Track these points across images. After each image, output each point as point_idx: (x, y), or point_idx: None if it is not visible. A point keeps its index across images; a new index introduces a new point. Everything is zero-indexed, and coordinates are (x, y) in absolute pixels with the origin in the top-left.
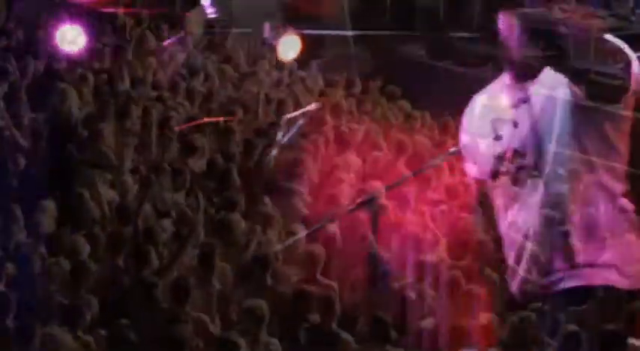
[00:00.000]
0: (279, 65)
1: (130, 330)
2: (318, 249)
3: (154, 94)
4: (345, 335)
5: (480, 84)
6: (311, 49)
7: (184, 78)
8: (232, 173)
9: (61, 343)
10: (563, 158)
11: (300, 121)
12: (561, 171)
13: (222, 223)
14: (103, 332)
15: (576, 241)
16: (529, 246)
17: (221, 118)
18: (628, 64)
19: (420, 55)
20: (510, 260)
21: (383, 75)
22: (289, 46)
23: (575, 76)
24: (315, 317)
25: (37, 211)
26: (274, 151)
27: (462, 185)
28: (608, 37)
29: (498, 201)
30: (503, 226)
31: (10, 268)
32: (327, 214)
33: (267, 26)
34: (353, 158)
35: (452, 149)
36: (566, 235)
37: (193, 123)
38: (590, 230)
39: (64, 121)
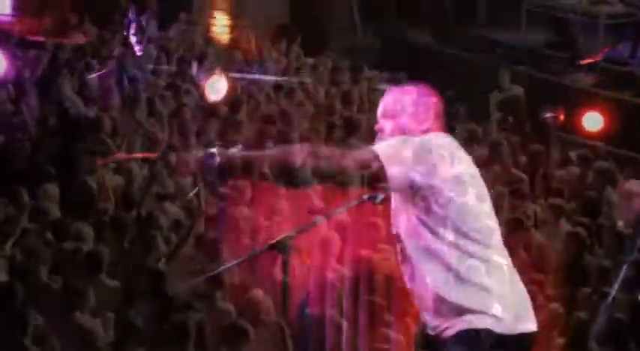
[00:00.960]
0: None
1: (137, 317)
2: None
3: (163, 82)
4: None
5: (486, 71)
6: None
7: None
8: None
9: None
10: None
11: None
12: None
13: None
14: (110, 315)
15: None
16: (419, 295)
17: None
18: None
19: (427, 43)
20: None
21: (391, 63)
22: (216, 87)
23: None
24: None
25: (41, 196)
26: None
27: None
28: None
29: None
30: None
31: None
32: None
33: (195, 65)
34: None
35: (365, 195)
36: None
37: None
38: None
39: (66, 110)
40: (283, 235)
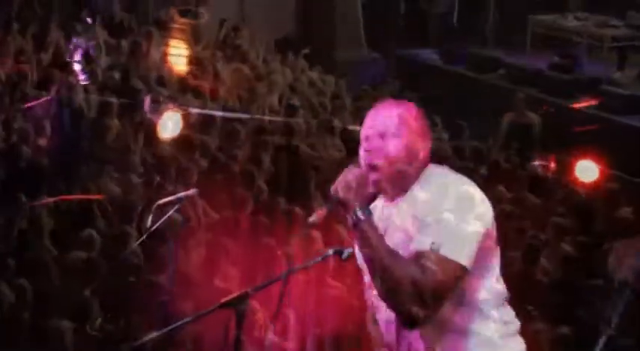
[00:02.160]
0: None
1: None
2: None
3: (165, 91)
4: None
5: (491, 89)
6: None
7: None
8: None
9: (65, 337)
10: None
11: (174, 208)
12: None
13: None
14: (110, 328)
15: None
16: None
17: None
18: None
19: (434, 60)
20: None
21: (398, 80)
22: (169, 123)
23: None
24: None
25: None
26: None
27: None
28: None
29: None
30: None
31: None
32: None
33: (147, 99)
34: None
35: (331, 250)
36: None
37: None
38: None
39: (72, 116)
40: (239, 292)
